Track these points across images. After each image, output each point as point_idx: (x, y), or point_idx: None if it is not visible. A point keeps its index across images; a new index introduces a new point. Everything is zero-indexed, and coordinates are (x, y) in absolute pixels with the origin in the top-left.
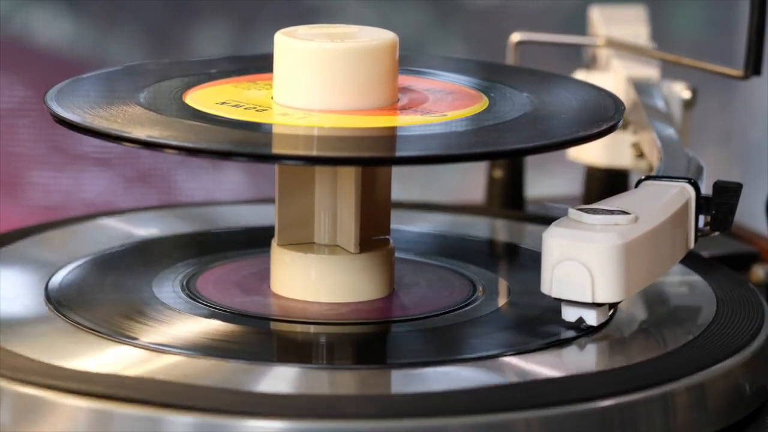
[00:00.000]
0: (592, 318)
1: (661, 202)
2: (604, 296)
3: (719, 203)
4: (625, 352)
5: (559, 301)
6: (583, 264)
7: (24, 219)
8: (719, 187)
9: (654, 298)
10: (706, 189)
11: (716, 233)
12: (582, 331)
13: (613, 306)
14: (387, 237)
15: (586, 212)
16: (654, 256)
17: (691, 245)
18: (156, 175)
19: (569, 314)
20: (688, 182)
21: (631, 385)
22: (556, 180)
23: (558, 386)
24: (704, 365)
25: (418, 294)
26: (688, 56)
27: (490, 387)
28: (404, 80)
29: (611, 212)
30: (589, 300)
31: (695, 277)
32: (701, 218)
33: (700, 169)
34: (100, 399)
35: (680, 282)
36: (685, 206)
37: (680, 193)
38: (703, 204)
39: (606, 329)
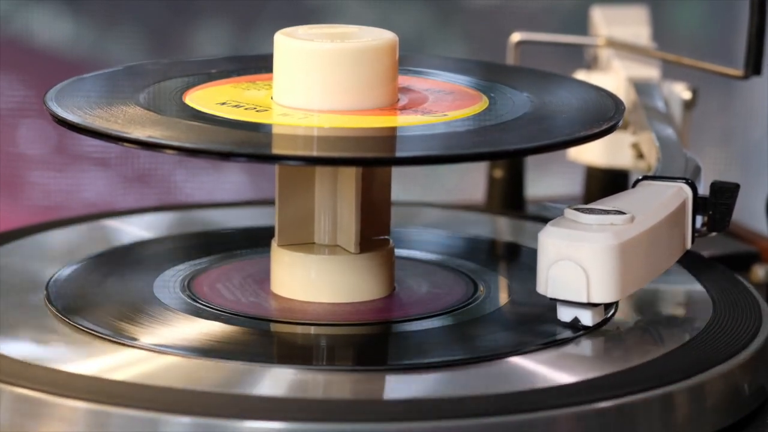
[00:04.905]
0: (587, 318)
1: (658, 202)
2: (600, 296)
3: (716, 204)
4: (624, 352)
5: (555, 301)
6: (578, 264)
7: (24, 219)
8: (717, 187)
9: (654, 299)
10: (704, 189)
11: (713, 234)
12: (581, 331)
13: (611, 305)
14: (387, 237)
15: (582, 212)
16: (650, 256)
17: (688, 246)
18: (156, 175)
19: (565, 314)
20: (685, 182)
21: (631, 385)
22: (556, 180)
23: (557, 388)
24: (704, 367)
25: (418, 294)
26: (689, 56)
27: (491, 388)
28: (404, 80)
29: (607, 212)
30: (584, 300)
31: (694, 278)
32: (699, 218)
33: (697, 170)
34: (99, 402)
35: (680, 283)
36: (682, 206)
37: (677, 193)
38: (700, 204)
39: (605, 330)
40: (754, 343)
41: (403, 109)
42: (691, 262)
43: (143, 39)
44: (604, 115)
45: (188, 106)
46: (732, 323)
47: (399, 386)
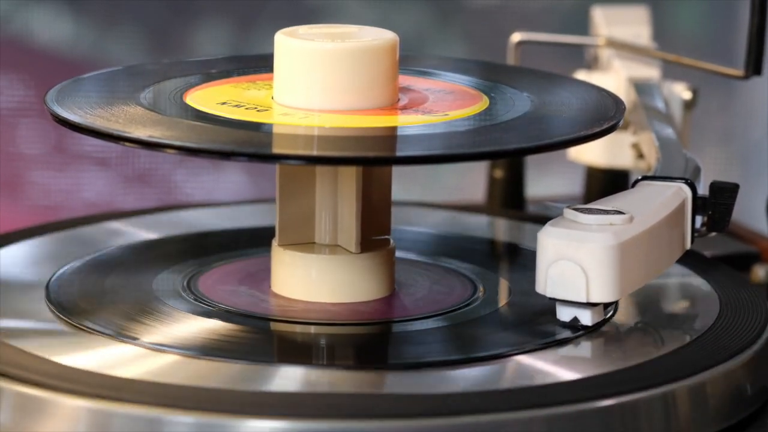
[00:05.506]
0: (586, 318)
1: (657, 202)
2: (599, 296)
3: (716, 204)
4: (626, 351)
5: (554, 300)
6: (577, 264)
7: (24, 219)
8: (716, 187)
9: (656, 298)
10: (704, 189)
11: (713, 234)
12: (581, 330)
13: (611, 305)
14: (387, 237)
15: (581, 212)
16: (649, 256)
17: (688, 246)
18: (156, 175)
19: (564, 314)
20: (684, 183)
21: (633, 384)
22: (557, 180)
23: (558, 386)
24: (706, 366)
25: (418, 294)
26: (689, 56)
27: (492, 387)
28: (404, 80)
29: (606, 212)
30: (583, 300)
31: (697, 277)
32: (698, 219)
33: (697, 170)
34: (101, 399)
35: (682, 282)
36: (681, 207)
37: (676, 193)
38: (699, 204)
39: (607, 329)
40: (756, 343)
41: (404, 108)
42: (695, 261)
43: (143, 39)
44: (604, 115)
45: (189, 105)
46: (736, 323)
47: (400, 384)
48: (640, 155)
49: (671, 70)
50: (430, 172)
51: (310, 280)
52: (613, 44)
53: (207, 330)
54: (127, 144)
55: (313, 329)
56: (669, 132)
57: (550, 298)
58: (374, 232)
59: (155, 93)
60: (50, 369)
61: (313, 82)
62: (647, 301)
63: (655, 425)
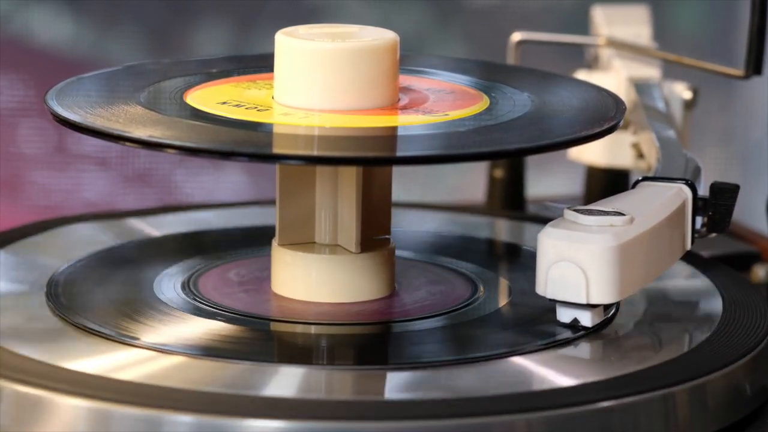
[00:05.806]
0: (586, 319)
1: (658, 203)
2: (599, 297)
3: (716, 204)
4: (626, 353)
5: (554, 302)
6: (577, 265)
7: (24, 219)
8: (717, 188)
9: (657, 299)
10: (704, 189)
11: (713, 234)
12: (581, 332)
13: (611, 306)
14: (388, 237)
15: (581, 213)
16: (650, 257)
17: (688, 246)
18: (156, 175)
19: (564, 315)
20: (685, 183)
21: (634, 386)
22: (557, 180)
23: (558, 388)
24: (709, 370)
25: (418, 294)
26: (689, 56)
27: (491, 388)
28: (405, 80)
29: (607, 213)
30: (583, 301)
31: (698, 278)
32: (698, 219)
33: (697, 170)
34: (100, 400)
35: (683, 283)
36: (682, 207)
37: (677, 194)
38: (700, 205)
39: (608, 329)
40: (758, 345)
41: (404, 108)
42: (695, 261)
43: (143, 39)
44: (604, 115)
45: (189, 105)
46: (738, 325)
47: (399, 385)
48: (640, 155)
49: (671, 70)
50: (430, 172)
51: (310, 280)
52: (614, 44)
53: (207, 330)
54: (127, 144)
55: (313, 329)
56: (669, 132)
57: (551, 300)
58: (374, 232)
59: (155, 92)
60: (50, 370)
61: (314, 82)
62: (648, 303)
63: (654, 425)
